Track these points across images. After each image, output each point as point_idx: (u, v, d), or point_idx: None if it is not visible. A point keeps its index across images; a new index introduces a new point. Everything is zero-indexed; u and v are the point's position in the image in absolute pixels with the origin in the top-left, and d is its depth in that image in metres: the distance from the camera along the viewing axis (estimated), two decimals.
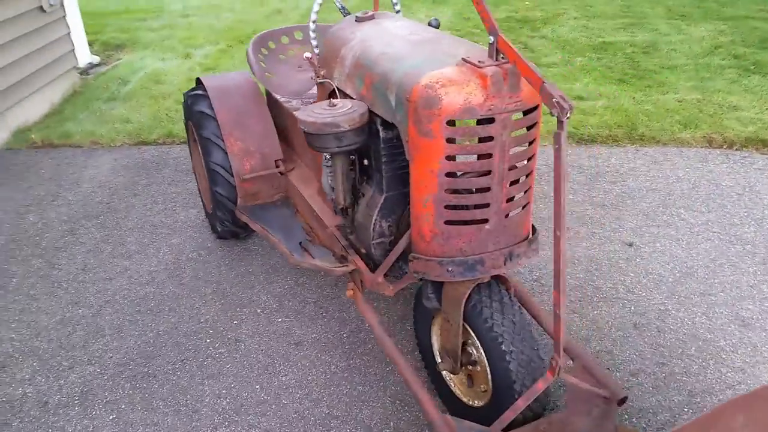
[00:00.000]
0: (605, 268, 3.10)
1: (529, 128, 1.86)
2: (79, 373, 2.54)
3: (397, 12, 2.72)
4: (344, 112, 2.05)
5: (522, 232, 1.96)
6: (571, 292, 2.93)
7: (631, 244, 3.28)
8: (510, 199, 1.89)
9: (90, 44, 6.64)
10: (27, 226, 3.58)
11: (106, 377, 2.52)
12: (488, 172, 1.82)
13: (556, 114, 1.56)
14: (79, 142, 4.66)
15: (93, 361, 2.60)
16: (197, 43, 6.87)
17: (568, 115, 1.54)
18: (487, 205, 1.86)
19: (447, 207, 1.87)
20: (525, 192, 1.93)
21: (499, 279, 2.09)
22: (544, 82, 1.58)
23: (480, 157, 1.81)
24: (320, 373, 2.51)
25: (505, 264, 1.94)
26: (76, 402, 2.40)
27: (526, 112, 1.82)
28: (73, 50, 5.62)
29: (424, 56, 1.96)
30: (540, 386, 1.81)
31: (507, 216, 1.91)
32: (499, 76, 1.72)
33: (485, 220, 1.88)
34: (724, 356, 2.52)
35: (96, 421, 2.32)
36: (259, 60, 3.19)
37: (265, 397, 2.40)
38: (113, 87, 5.70)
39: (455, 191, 1.88)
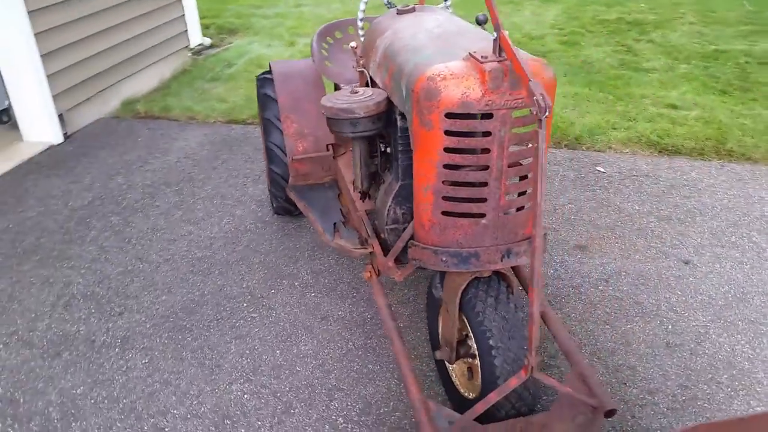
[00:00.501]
0: (652, 283, 2.96)
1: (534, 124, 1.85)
2: (127, 319, 2.82)
3: (447, 7, 2.75)
4: (361, 100, 2.14)
5: (523, 231, 1.96)
6: (609, 303, 2.84)
7: (687, 262, 3.11)
8: (510, 198, 1.89)
9: (206, 27, 7.14)
10: (113, 187, 3.97)
11: (148, 326, 2.77)
12: (486, 167, 1.84)
13: (534, 112, 1.56)
14: (176, 116, 5.06)
15: (141, 311, 2.87)
16: (303, 31, 7.18)
17: (546, 113, 1.54)
18: (484, 200, 1.88)
19: (445, 198, 1.91)
20: (529, 191, 1.92)
21: (500, 276, 2.09)
22: (530, 80, 1.58)
23: (479, 151, 1.83)
24: (337, 348, 2.62)
25: (501, 260, 1.95)
26: (117, 344, 2.67)
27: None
28: (186, 31, 6.08)
29: (438, 49, 2.00)
30: (512, 383, 1.81)
31: (506, 213, 1.91)
32: (498, 72, 1.73)
33: (482, 215, 1.90)
34: (758, 389, 2.35)
35: (129, 363, 2.57)
36: (322, 48, 3.33)
37: (282, 362, 2.55)
38: (218, 68, 6.11)
39: (453, 183, 1.91)
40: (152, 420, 2.31)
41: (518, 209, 1.94)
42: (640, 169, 4.00)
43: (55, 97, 4.44)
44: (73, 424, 2.30)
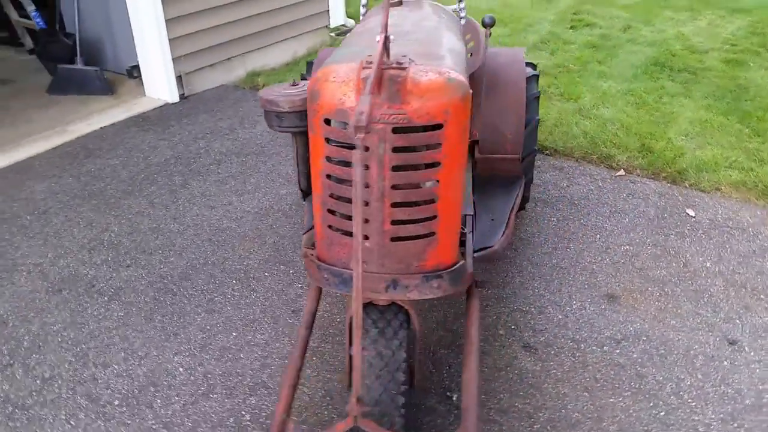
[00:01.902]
0: (673, 357, 2.46)
1: (427, 148, 1.61)
2: (130, 272, 3.01)
3: (461, 12, 2.51)
4: (291, 94, 2.02)
5: (417, 263, 1.72)
6: (604, 368, 2.42)
7: (733, 343, 2.53)
8: (397, 223, 1.67)
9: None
10: (193, 149, 4.25)
11: (143, 283, 2.94)
12: (367, 185, 1.65)
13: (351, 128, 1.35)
14: None
15: (146, 267, 3.05)
16: None
17: (358, 134, 1.33)
18: (366, 221, 1.69)
19: (329, 211, 1.75)
20: (426, 220, 1.69)
21: (399, 308, 1.87)
22: (362, 95, 1.37)
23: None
24: (288, 345, 2.56)
25: (386, 291, 1.75)
26: (109, 294, 2.87)
27: (418, 129, 1.58)
28: (327, 11, 6.26)
29: (361, 48, 1.82)
30: (338, 427, 1.62)
31: (392, 240, 1.70)
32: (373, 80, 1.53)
33: (365, 237, 1.71)
34: None
35: (107, 313, 2.75)
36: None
37: (231, 346, 2.56)
38: None
39: (338, 197, 1.73)
40: (93, 370, 2.46)
41: (411, 238, 1.71)
42: (739, 220, 3.32)
43: (175, 60, 4.84)
44: (34, 355, 2.53)
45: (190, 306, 2.79)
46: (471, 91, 1.65)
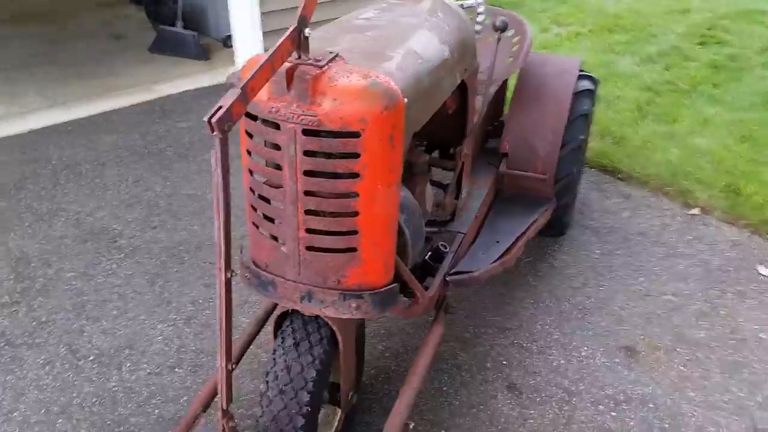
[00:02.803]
0: None
1: (343, 156, 1.46)
2: (153, 234, 3.10)
3: (479, 8, 2.29)
4: None
5: (335, 278, 1.59)
6: (588, 429, 2.15)
7: None
8: (312, 231, 1.55)
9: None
10: None
11: (160, 246, 3.01)
12: (280, 186, 1.53)
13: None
14: None
15: (169, 231, 3.11)
16: (566, 21, 6.57)
17: (215, 132, 1.21)
18: (280, 224, 1.58)
19: (252, 207, 1.65)
20: (345, 234, 1.54)
21: (324, 320, 1.73)
22: (232, 86, 1.26)
23: (271, 165, 1.53)
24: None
25: (301, 302, 1.63)
26: (126, 252, 2.97)
27: (331, 134, 1.44)
28: None
29: (319, 37, 1.69)
30: None
31: (308, 249, 1.57)
32: (280, 77, 1.40)
33: (278, 240, 1.61)
34: None
35: (117, 270, 2.85)
36: None
37: (213, 324, 2.55)
38: None
39: (257, 194, 1.62)
40: (84, 322, 2.56)
41: (328, 250, 1.57)
42: None
43: (265, 35, 4.91)
44: (39, 298, 2.67)
45: (193, 277, 2.82)
46: (405, 100, 1.47)
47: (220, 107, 1.21)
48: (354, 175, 1.47)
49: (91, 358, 2.39)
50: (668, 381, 2.35)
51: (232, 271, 1.41)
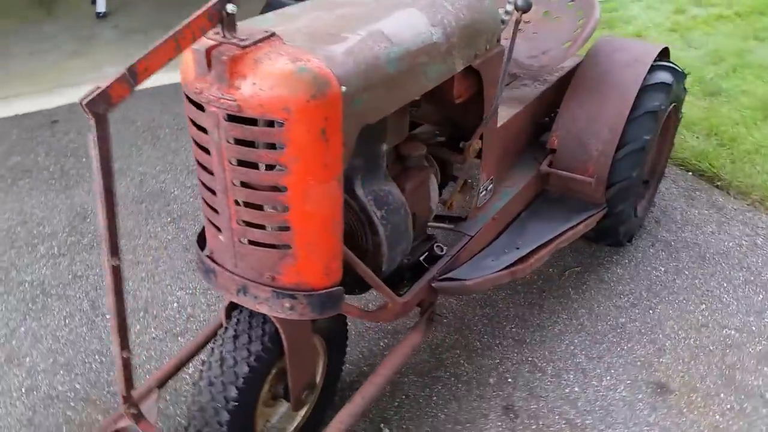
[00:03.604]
0: None
1: (268, 146, 1.34)
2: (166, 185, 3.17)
3: None
4: None
5: (269, 274, 1.49)
6: None
7: None
8: (245, 224, 1.45)
9: None
10: None
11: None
12: (213, 173, 1.45)
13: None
14: None
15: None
16: (710, 1, 5.80)
17: (92, 121, 1.14)
18: (216, 211, 1.50)
19: (201, 188, 1.58)
20: (277, 230, 1.43)
21: (271, 319, 1.64)
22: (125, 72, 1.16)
23: (202, 148, 1.44)
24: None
25: (237, 295, 1.55)
26: (175, 216, 3.06)
27: (254, 121, 1.32)
28: None
29: (279, 14, 1.57)
30: (104, 422, 1.51)
31: (241, 241, 1.48)
32: (201, 55, 1.30)
33: (218, 228, 1.53)
34: None
35: (161, 233, 2.95)
36: None
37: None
38: None
39: (200, 180, 1.54)
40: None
41: (261, 245, 1.47)
42: None
43: None
44: (84, 253, 2.83)
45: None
46: (343, 88, 1.31)
47: (98, 88, 1.15)
48: (281, 168, 1.35)
49: (108, 316, 2.50)
50: (696, 430, 2.01)
51: (119, 258, 1.36)
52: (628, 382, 2.18)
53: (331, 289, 1.52)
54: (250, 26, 1.38)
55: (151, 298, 2.58)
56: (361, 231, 1.77)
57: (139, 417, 1.52)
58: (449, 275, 1.95)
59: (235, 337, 1.63)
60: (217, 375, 1.60)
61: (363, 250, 1.81)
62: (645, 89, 2.38)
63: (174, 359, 1.93)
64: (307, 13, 1.54)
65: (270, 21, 1.50)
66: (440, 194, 2.10)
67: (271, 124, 1.32)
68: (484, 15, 1.81)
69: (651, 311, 2.47)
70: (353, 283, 1.86)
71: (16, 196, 3.20)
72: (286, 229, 1.42)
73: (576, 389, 2.16)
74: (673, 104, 2.60)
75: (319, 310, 1.52)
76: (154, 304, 2.55)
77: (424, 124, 2.22)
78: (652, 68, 2.43)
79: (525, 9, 1.78)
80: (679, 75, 2.54)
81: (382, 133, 1.75)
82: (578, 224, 2.32)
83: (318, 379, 1.92)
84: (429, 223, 2.21)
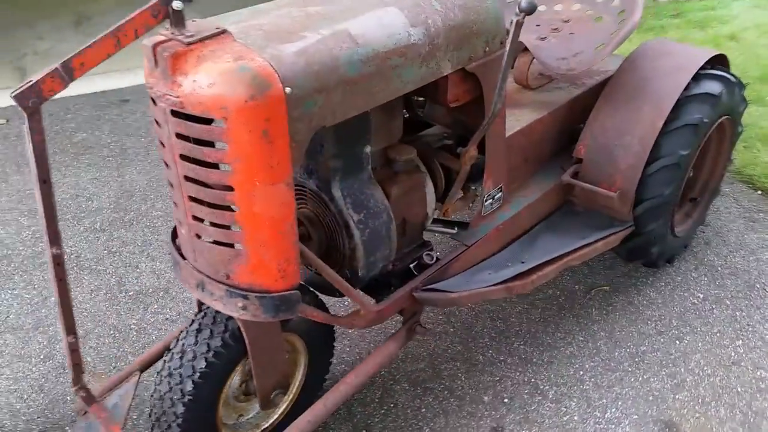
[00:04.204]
0: None
1: (211, 144, 1.33)
2: None
3: None
4: None
5: (223, 272, 1.48)
6: None
7: None
8: (198, 219, 1.45)
9: None
10: None
11: None
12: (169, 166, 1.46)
13: None
14: None
15: None
16: None
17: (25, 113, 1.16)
18: (176, 205, 1.51)
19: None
20: (227, 228, 1.42)
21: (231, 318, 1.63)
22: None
23: (160, 141, 1.45)
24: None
25: (196, 289, 1.56)
26: None
27: (195, 118, 1.31)
28: None
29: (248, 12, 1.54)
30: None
31: (197, 237, 1.48)
32: (149, 51, 1.29)
33: (180, 222, 1.54)
34: None
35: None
36: None
37: None
38: (668, 14, 5.16)
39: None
40: (143, 259, 2.78)
41: (216, 242, 1.46)
42: None
43: None
44: (122, 230, 2.97)
45: None
46: (288, 90, 1.27)
47: (29, 81, 1.17)
48: (226, 167, 1.33)
49: (131, 293, 2.61)
50: None
51: (60, 246, 1.39)
52: (635, 417, 2.01)
53: (285, 293, 1.50)
54: (207, 22, 1.36)
55: (174, 279, 2.66)
56: (338, 234, 1.74)
57: (90, 399, 1.57)
58: (434, 285, 1.87)
59: (198, 330, 1.65)
60: (177, 367, 1.62)
61: (340, 253, 1.77)
62: (686, 100, 2.16)
63: (160, 344, 1.98)
64: (279, 9, 1.51)
65: (240, 16, 1.48)
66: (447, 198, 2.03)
67: (207, 122, 1.30)
68: (482, 15, 1.70)
69: (678, 341, 2.26)
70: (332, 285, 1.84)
71: (74, 171, 3.40)
72: (237, 228, 1.41)
73: (575, 418, 2.02)
74: (726, 117, 2.35)
75: (272, 313, 1.50)
76: (175, 285, 2.62)
77: (436, 125, 2.14)
78: (699, 77, 2.21)
79: (528, 11, 1.66)
80: (733, 85, 2.29)
81: (364, 135, 1.69)
82: (596, 242, 2.15)
83: (298, 379, 1.91)
84: (433, 228, 2.15)
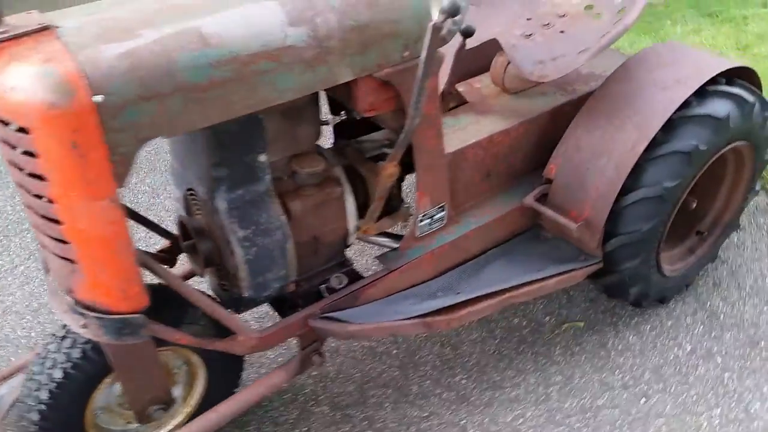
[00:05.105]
0: None
1: (24, 153, 1.19)
2: None
3: None
4: None
5: (67, 285, 1.37)
6: None
7: None
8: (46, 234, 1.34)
9: None
10: None
11: None
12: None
13: None
14: None
15: None
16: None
17: None
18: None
19: None
20: (59, 242, 1.30)
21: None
22: None
23: None
24: None
25: (51, 296, 1.46)
26: None
27: (7, 124, 1.18)
28: None
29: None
30: None
31: (42, 246, 1.38)
32: None
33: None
34: None
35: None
36: None
37: None
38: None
39: None
40: None
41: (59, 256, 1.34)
42: None
43: None
44: None
45: None
46: (100, 98, 1.12)
47: None
48: (42, 177, 1.20)
49: None
50: None
51: None
52: None
53: (128, 316, 1.37)
54: (32, 17, 1.22)
55: None
56: (225, 250, 1.58)
57: None
58: (334, 314, 1.68)
59: (63, 338, 1.56)
60: (37, 373, 1.54)
61: (228, 271, 1.62)
62: (681, 121, 1.82)
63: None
64: (138, 1, 1.34)
65: (95, 8, 1.32)
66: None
67: (16, 128, 1.17)
68: (399, 15, 1.46)
69: (644, 399, 1.95)
70: (232, 300, 1.70)
71: None
72: (66, 242, 1.28)
73: None
74: (741, 142, 1.97)
75: (114, 335, 1.38)
76: None
77: (383, 129, 1.92)
78: (705, 94, 1.85)
79: (451, 13, 1.40)
80: (750, 106, 1.90)
81: (256, 142, 1.51)
82: (549, 278, 1.87)
83: (198, 392, 1.79)
84: (375, 240, 1.96)
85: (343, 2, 1.40)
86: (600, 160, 1.86)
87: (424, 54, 1.43)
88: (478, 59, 2.14)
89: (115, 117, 1.17)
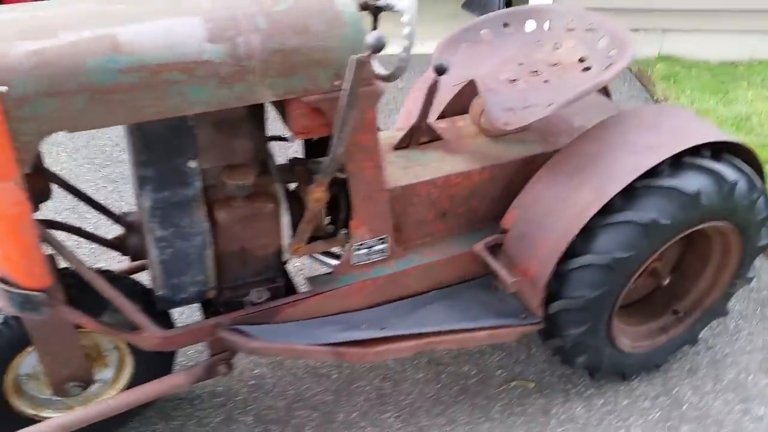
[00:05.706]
0: None
1: None
2: None
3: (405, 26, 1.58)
4: None
5: None
6: None
7: None
8: None
9: None
10: None
11: None
12: None
13: None
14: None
15: None
16: None
17: None
18: None
19: None
20: None
21: None
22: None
23: None
24: None
25: None
26: None
27: None
28: None
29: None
30: None
31: None
32: None
33: None
34: None
35: None
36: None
37: None
38: None
39: None
40: None
41: None
42: None
43: None
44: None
45: None
46: (1, 89, 1.20)
47: None
48: None
49: None
50: None
51: None
52: None
53: (30, 292, 1.46)
54: None
55: None
56: (148, 247, 1.65)
57: None
58: (241, 327, 1.70)
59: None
60: None
61: (148, 267, 1.69)
62: (645, 191, 1.71)
63: None
64: (80, 2, 1.42)
65: (37, 7, 1.41)
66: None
67: None
68: (330, 43, 1.47)
69: None
70: (156, 297, 1.75)
71: None
72: None
73: None
74: (722, 222, 1.82)
75: (18, 309, 1.48)
76: None
77: None
78: (681, 165, 1.73)
79: (376, 49, 1.40)
80: (730, 185, 1.75)
81: (184, 148, 1.57)
82: (479, 329, 1.81)
83: (126, 374, 1.85)
84: (318, 257, 1.98)
85: (272, 25, 1.43)
86: (551, 217, 1.77)
87: (346, 86, 1.44)
88: (471, 97, 2.11)
89: (18, 108, 1.26)
